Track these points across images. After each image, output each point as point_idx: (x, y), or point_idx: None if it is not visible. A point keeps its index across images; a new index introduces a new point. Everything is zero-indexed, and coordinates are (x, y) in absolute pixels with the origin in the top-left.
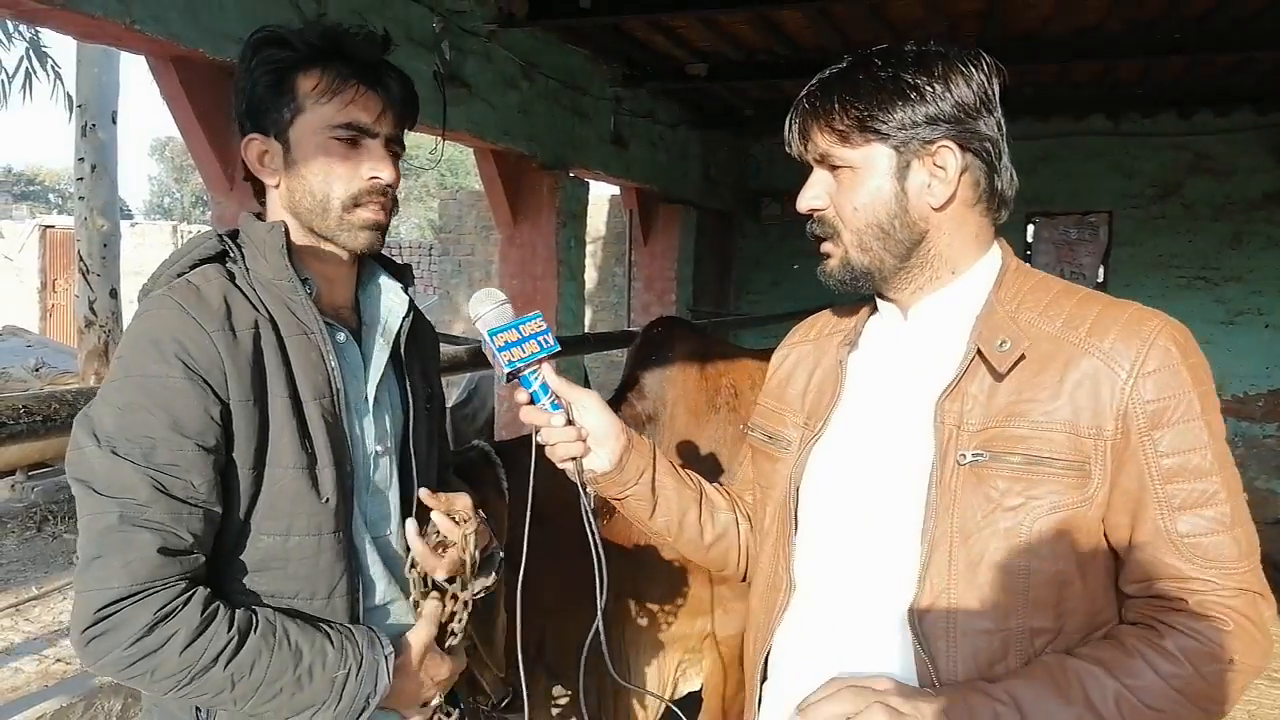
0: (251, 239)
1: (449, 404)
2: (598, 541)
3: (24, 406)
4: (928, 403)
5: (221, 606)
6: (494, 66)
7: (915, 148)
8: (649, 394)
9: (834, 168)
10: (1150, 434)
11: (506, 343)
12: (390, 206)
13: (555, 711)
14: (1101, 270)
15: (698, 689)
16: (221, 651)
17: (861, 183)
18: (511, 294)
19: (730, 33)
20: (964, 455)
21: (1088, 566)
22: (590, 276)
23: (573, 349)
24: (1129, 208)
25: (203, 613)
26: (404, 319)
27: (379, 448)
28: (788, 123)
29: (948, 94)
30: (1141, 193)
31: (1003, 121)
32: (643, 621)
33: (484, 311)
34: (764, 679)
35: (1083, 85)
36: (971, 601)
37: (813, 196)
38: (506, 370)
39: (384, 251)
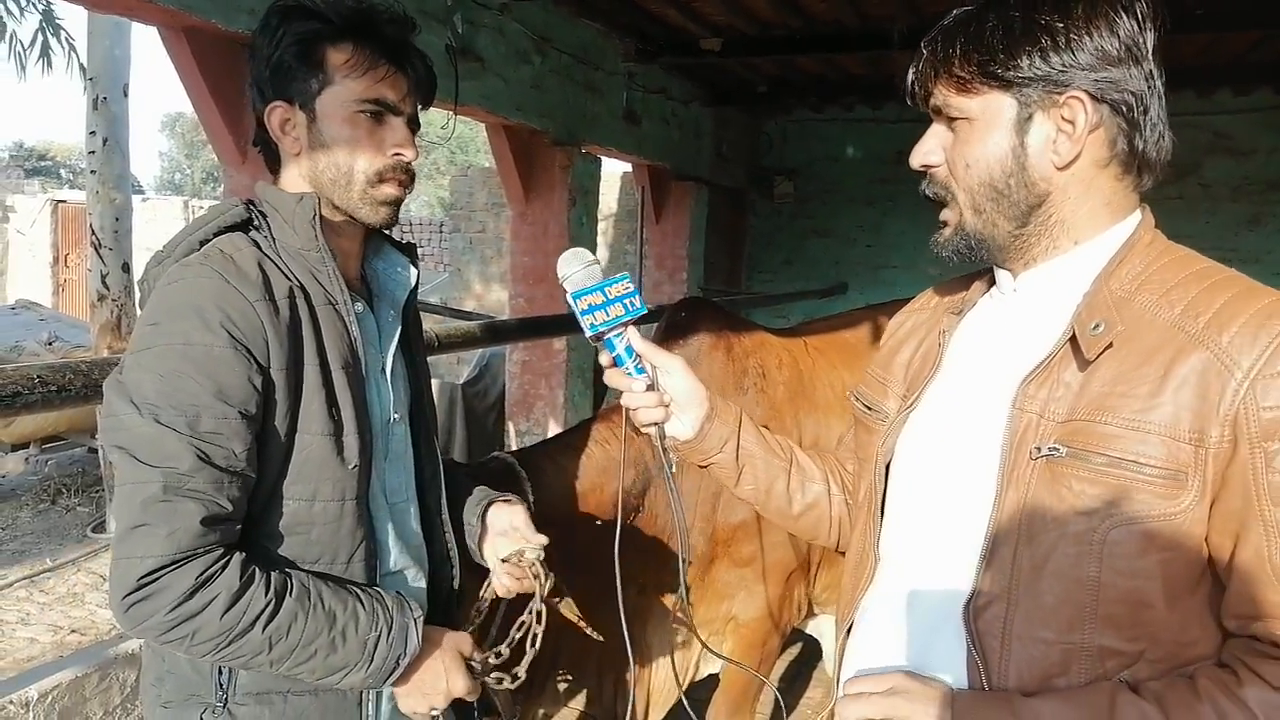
0: (278, 209)
1: (460, 380)
2: (680, 508)
3: (39, 376)
4: (1012, 385)
5: (258, 570)
6: (506, 40)
7: (1040, 97)
8: None
9: (951, 120)
10: (1263, 445)
11: (591, 305)
12: (409, 183)
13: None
14: None
15: (717, 671)
16: (260, 614)
17: (978, 136)
18: (523, 271)
19: (744, 7)
20: (1038, 448)
21: (1177, 589)
22: (601, 254)
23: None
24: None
25: (242, 576)
26: (410, 293)
27: (395, 415)
28: (910, 71)
29: (1086, 39)
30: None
31: (1156, 74)
32: (667, 604)
33: (571, 272)
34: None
35: None
36: (1031, 607)
37: (926, 151)
38: (590, 333)
39: (395, 228)
